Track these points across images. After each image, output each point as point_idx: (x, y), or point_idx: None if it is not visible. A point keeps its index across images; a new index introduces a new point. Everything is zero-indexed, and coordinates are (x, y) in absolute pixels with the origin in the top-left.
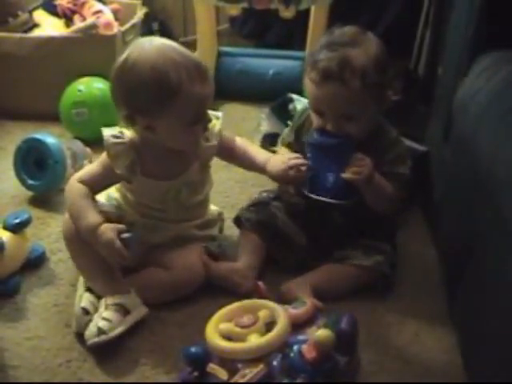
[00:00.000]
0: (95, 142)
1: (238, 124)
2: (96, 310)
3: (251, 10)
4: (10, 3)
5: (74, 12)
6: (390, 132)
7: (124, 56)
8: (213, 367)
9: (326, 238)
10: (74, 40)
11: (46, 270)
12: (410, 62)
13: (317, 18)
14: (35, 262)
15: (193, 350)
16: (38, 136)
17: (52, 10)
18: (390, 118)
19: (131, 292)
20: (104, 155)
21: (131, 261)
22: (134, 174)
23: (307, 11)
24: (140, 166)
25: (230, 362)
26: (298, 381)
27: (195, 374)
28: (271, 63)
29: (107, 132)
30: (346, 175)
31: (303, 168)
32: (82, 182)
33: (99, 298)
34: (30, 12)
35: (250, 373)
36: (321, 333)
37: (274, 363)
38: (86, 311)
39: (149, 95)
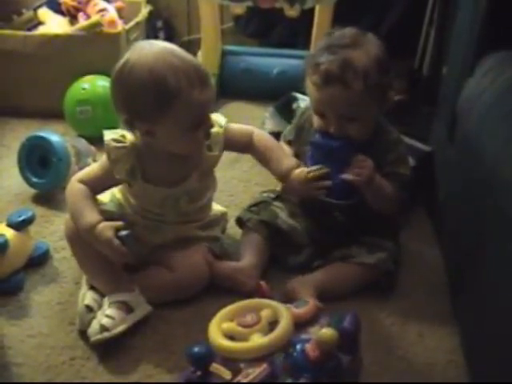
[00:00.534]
0: (99, 140)
1: (241, 123)
2: (100, 307)
3: (256, 8)
4: (15, 1)
5: (78, 10)
6: (391, 132)
7: (123, 59)
8: (216, 367)
9: (328, 238)
10: (78, 38)
11: (50, 267)
12: (414, 61)
13: (321, 17)
14: (39, 260)
15: (196, 349)
16: (42, 134)
17: (56, 8)
18: (393, 118)
19: (135, 290)
20: (105, 158)
21: (131, 257)
22: (135, 178)
23: (312, 10)
24: (141, 170)
25: (233, 362)
26: (302, 380)
27: (198, 373)
28: (275, 62)
29: (108, 135)
30: (347, 176)
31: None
32: (82, 182)
33: (103, 295)
34: (35, 10)
35: (254, 372)
36: (324, 332)
37: (277, 363)
38: (89, 309)
39: (147, 100)
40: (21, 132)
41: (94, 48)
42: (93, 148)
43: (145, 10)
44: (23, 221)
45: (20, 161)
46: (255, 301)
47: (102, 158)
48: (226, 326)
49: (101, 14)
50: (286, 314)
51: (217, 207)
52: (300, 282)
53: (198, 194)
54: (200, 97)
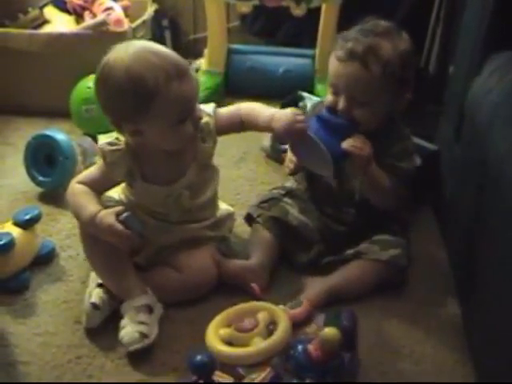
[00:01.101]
0: None
1: None
2: (106, 305)
3: (262, 7)
4: (21, 0)
5: (84, 9)
6: (402, 130)
7: (103, 61)
8: (219, 374)
9: (339, 235)
10: (84, 37)
11: (56, 266)
12: (420, 60)
13: (327, 15)
14: (45, 259)
15: (199, 358)
16: (48, 132)
17: (62, 7)
18: (399, 117)
19: (148, 291)
20: (102, 161)
21: (136, 239)
22: (134, 179)
23: (318, 9)
24: (139, 171)
25: (234, 368)
26: (307, 381)
27: (201, 382)
28: (281, 61)
29: (102, 140)
30: (345, 145)
31: (307, 124)
32: (81, 183)
33: (110, 294)
34: (41, 8)
35: (259, 376)
36: (327, 331)
37: (278, 365)
38: (96, 306)
39: (127, 101)
40: (27, 131)
41: (99, 47)
42: None
43: (151, 9)
44: (29, 219)
45: (26, 159)
46: (250, 304)
47: (100, 161)
48: (224, 332)
49: (107, 12)
50: (283, 316)
51: (223, 206)
52: (312, 286)
53: (199, 189)
54: (180, 90)
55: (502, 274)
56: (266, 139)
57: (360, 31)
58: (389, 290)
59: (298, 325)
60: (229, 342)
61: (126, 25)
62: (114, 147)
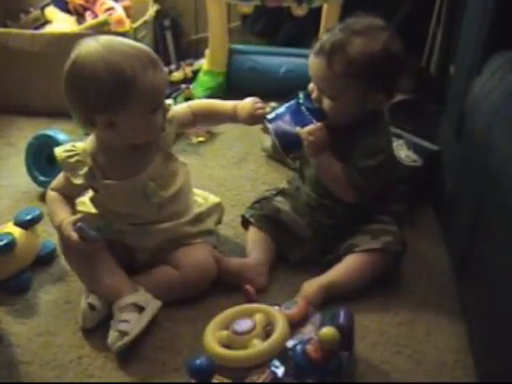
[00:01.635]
0: None
1: None
2: (103, 306)
3: (263, 7)
4: (22, 0)
5: (85, 9)
6: (382, 127)
7: (70, 60)
8: (219, 378)
9: (331, 230)
10: (85, 37)
11: (57, 266)
12: (421, 60)
13: (329, 16)
14: (46, 259)
15: (198, 362)
16: (50, 132)
17: (64, 7)
18: (401, 117)
19: (139, 289)
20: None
21: (94, 247)
22: (95, 180)
23: (319, 9)
24: (100, 171)
25: (232, 371)
26: (308, 381)
27: None
28: (283, 61)
29: (59, 149)
30: (298, 129)
31: (267, 109)
32: (53, 190)
33: None
34: (42, 8)
35: (260, 378)
36: (325, 331)
37: (276, 367)
38: (92, 307)
39: (106, 90)
40: (28, 131)
41: None
42: None
43: (152, 9)
44: (31, 219)
45: (27, 159)
46: (246, 306)
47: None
48: (221, 335)
49: (108, 12)
50: (280, 317)
51: (209, 197)
52: (308, 284)
53: (167, 181)
54: (154, 79)
55: (504, 273)
56: (266, 139)
57: (340, 26)
58: (389, 290)
59: (293, 325)
60: (227, 345)
61: (128, 25)
62: (71, 153)
